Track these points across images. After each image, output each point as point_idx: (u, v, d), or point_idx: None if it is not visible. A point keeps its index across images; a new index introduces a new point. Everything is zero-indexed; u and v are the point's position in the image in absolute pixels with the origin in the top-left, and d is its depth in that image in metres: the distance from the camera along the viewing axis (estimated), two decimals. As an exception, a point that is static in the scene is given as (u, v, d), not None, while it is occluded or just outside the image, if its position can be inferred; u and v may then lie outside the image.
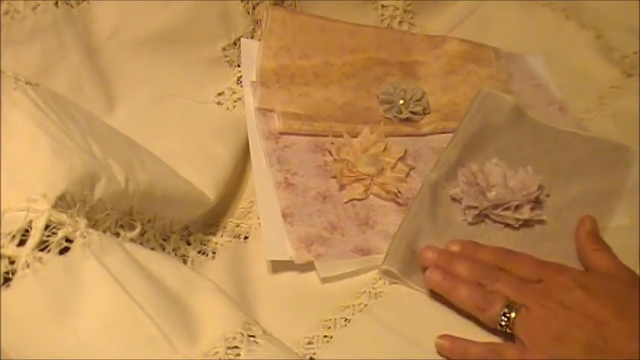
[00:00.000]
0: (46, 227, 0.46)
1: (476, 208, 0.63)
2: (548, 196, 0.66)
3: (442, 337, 0.57)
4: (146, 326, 0.46)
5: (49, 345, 0.45)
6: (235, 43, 0.70)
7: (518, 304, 0.56)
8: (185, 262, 0.61)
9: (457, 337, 0.57)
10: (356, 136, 0.68)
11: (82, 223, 0.48)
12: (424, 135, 0.71)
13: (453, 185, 0.65)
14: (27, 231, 0.46)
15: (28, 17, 0.60)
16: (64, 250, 0.46)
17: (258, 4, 0.71)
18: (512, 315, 0.56)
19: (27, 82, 0.54)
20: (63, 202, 0.48)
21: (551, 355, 0.54)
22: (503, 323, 0.56)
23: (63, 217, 0.47)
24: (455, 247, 0.61)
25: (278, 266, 0.61)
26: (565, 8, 0.81)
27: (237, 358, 0.47)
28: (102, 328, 0.45)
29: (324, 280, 0.60)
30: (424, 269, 0.60)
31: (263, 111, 0.68)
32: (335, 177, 0.66)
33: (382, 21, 0.79)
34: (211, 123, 0.68)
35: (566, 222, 0.64)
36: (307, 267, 0.61)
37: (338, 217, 0.64)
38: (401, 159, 0.68)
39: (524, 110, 0.71)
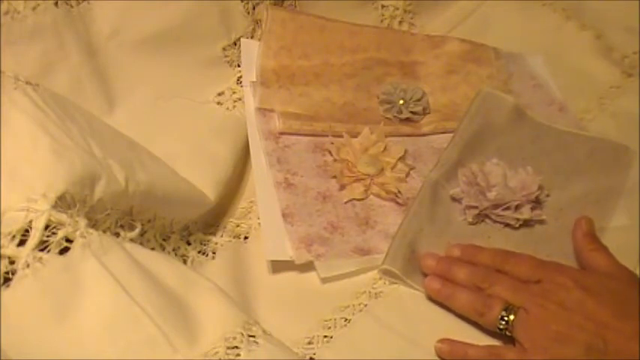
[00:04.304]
0: (46, 227, 0.46)
1: (476, 208, 0.63)
2: (548, 196, 0.65)
3: (441, 341, 0.56)
4: (146, 326, 0.46)
5: (49, 345, 0.45)
6: (235, 43, 0.70)
7: (517, 307, 0.56)
8: (185, 262, 0.61)
9: (456, 341, 0.56)
10: (356, 136, 0.68)
11: (82, 223, 0.48)
12: (424, 135, 0.71)
13: (453, 185, 0.65)
14: (27, 231, 0.46)
15: (28, 17, 0.60)
16: (64, 250, 0.46)
17: (258, 4, 0.71)
18: (511, 317, 0.55)
19: (27, 82, 0.54)
20: (63, 202, 0.48)
21: (552, 356, 0.53)
22: (502, 326, 0.56)
23: (63, 217, 0.47)
24: (455, 253, 0.61)
25: (278, 266, 0.61)
26: (565, 8, 0.81)
27: (237, 358, 0.47)
28: (102, 328, 0.45)
29: (324, 280, 0.60)
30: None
31: (263, 111, 0.68)
32: (335, 177, 0.66)
33: (382, 21, 0.79)
34: (211, 123, 0.68)
35: (567, 222, 0.64)
36: (307, 267, 0.61)
37: (338, 217, 0.64)
38: (401, 159, 0.68)
39: (524, 110, 0.71)
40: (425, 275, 0.60)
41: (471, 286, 0.58)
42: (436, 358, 0.56)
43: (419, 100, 0.72)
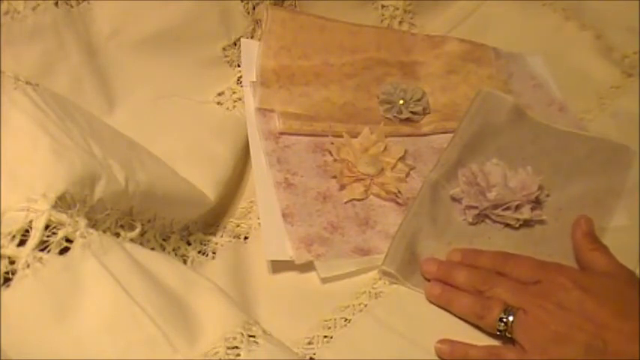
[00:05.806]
0: (46, 227, 0.46)
1: (476, 208, 0.63)
2: (548, 196, 0.65)
3: (441, 341, 0.56)
4: (146, 326, 0.46)
5: (49, 345, 0.45)
6: (235, 43, 0.70)
7: (516, 308, 0.56)
8: (185, 262, 0.61)
9: (456, 341, 0.56)
10: (356, 136, 0.68)
11: (82, 223, 0.48)
12: (424, 135, 0.71)
13: (453, 185, 0.65)
14: (27, 231, 0.46)
15: (28, 17, 0.60)
16: (64, 250, 0.46)
17: (258, 4, 0.71)
18: (510, 319, 0.55)
19: (27, 82, 0.54)
20: (63, 202, 0.48)
21: (551, 356, 0.53)
22: (501, 328, 0.56)
23: (63, 217, 0.47)
24: (456, 257, 0.61)
25: (278, 266, 0.61)
26: (565, 8, 0.81)
27: (237, 358, 0.47)
28: (102, 328, 0.45)
29: (324, 280, 0.60)
30: (424, 270, 0.61)
31: (263, 111, 0.68)
32: (335, 177, 0.66)
33: (382, 21, 0.79)
34: (211, 123, 0.68)
35: (566, 222, 0.64)
36: (307, 267, 0.61)
37: (338, 217, 0.64)
38: (401, 159, 0.68)
39: (524, 110, 0.71)
40: (424, 277, 0.60)
41: (471, 290, 0.58)
42: (436, 358, 0.56)
43: (419, 100, 0.72)
